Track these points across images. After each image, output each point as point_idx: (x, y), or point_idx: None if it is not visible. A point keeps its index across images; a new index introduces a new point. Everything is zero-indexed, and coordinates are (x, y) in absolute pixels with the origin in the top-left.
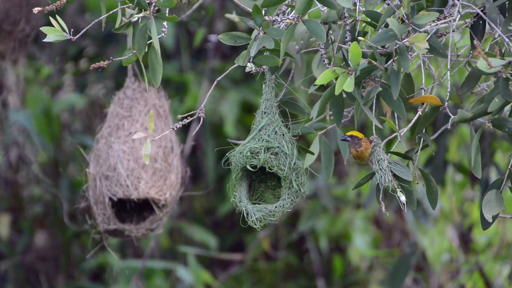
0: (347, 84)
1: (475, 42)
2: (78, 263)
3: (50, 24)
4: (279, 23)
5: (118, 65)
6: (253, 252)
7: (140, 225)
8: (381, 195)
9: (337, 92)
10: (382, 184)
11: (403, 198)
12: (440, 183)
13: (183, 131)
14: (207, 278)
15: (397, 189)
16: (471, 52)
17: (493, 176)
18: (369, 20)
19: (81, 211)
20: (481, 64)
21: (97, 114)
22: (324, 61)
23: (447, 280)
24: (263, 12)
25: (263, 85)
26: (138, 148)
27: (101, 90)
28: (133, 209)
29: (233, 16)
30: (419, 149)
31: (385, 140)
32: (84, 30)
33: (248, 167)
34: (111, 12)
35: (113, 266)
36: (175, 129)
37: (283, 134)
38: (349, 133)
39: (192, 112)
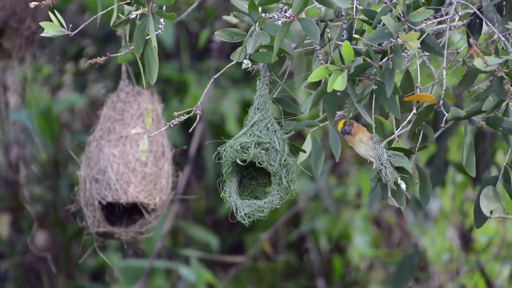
0: (338, 82)
1: (471, 40)
2: (78, 263)
3: None
4: (275, 20)
5: (118, 65)
6: (253, 252)
7: (129, 228)
8: (389, 192)
9: (329, 90)
10: (385, 179)
11: (403, 185)
12: (441, 183)
13: (185, 132)
14: (209, 278)
15: (397, 178)
16: (468, 51)
17: None
18: (366, 18)
19: (73, 213)
20: (477, 62)
21: (97, 114)
22: (318, 56)
23: (448, 280)
24: (260, 10)
25: (258, 81)
26: (129, 152)
27: (101, 90)
28: (123, 212)
29: (230, 18)
30: (417, 145)
31: (386, 140)
32: (81, 26)
33: (238, 161)
34: (108, 9)
35: (114, 266)
36: (172, 126)
37: (275, 131)
38: (340, 124)
39: (188, 109)
